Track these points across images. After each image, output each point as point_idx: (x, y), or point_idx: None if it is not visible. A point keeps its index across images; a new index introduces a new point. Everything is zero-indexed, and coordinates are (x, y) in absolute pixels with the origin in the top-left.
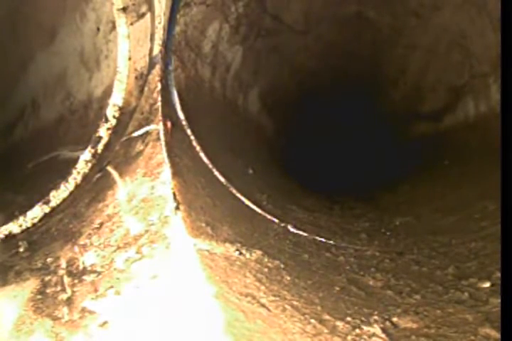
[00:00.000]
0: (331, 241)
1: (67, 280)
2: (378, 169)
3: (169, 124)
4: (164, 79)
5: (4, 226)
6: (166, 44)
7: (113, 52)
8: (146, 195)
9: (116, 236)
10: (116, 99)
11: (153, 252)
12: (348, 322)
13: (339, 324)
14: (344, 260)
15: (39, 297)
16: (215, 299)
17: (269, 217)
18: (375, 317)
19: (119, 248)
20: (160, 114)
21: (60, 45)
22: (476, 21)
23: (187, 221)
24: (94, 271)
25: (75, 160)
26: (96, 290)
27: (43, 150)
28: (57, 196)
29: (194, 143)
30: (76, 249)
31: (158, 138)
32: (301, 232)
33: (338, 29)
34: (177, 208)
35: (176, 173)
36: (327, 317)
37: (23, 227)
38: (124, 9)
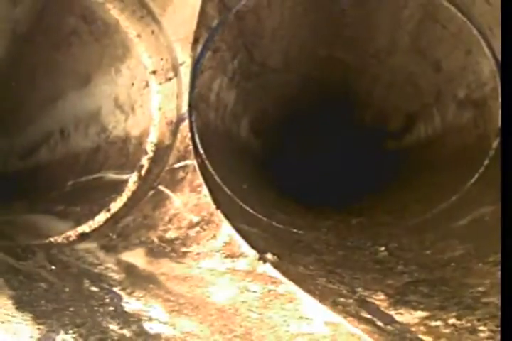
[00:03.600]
0: None
1: None
2: (359, 181)
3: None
4: (191, 130)
5: (78, 228)
6: (190, 103)
7: (147, 103)
8: (196, 202)
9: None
10: (152, 138)
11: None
12: None
13: None
14: None
15: None
16: None
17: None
18: None
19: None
20: (193, 155)
21: (95, 89)
22: (421, 63)
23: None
24: None
25: (122, 181)
26: None
27: (81, 172)
28: (115, 206)
29: (210, 168)
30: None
31: (195, 169)
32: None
33: (313, 66)
34: (217, 208)
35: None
36: None
37: (92, 228)
38: (155, 72)
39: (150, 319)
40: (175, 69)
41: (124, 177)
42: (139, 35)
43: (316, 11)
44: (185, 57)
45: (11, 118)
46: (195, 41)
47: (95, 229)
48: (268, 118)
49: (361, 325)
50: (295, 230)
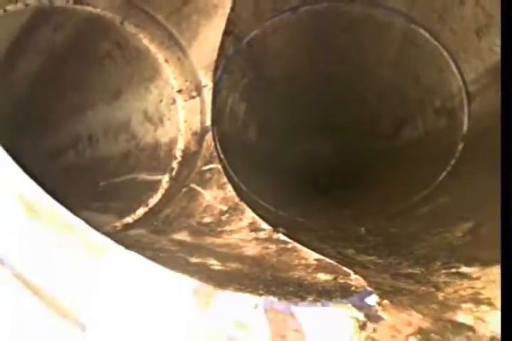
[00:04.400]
0: None
1: None
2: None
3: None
4: (214, 140)
5: (123, 219)
6: (212, 118)
7: (174, 116)
8: (223, 196)
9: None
10: (180, 146)
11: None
12: None
13: None
14: None
15: None
16: None
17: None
18: None
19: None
20: (217, 160)
21: (125, 104)
22: (404, 77)
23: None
24: None
25: (155, 181)
26: None
27: (112, 174)
28: (152, 201)
29: (230, 171)
30: (194, 222)
31: (220, 171)
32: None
33: (312, 78)
34: (240, 200)
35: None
36: None
37: (135, 219)
38: (180, 91)
39: (210, 264)
40: (198, 89)
41: (157, 177)
42: (166, 61)
43: (313, 33)
44: (207, 81)
45: (38, 124)
46: (216, 68)
47: (138, 220)
48: (272, 126)
49: (334, 259)
50: (297, 218)
